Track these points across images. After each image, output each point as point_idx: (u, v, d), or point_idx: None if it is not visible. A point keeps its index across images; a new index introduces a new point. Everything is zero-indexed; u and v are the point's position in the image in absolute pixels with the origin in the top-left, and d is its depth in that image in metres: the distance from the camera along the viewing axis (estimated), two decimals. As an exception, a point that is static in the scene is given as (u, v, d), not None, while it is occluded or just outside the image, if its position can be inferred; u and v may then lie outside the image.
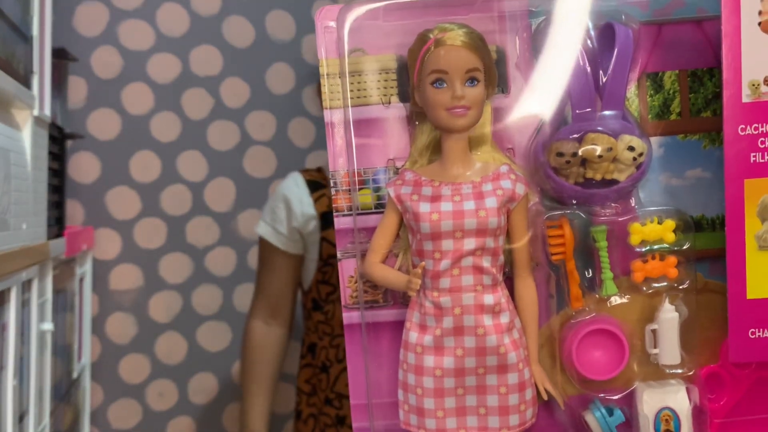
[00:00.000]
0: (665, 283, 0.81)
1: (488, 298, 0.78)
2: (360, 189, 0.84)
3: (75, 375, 1.52)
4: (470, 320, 0.78)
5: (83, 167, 1.76)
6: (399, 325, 0.83)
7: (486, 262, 0.78)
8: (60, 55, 1.44)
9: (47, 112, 1.16)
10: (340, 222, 0.83)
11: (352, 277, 0.84)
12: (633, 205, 0.82)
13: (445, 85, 0.78)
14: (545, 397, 0.81)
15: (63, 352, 1.39)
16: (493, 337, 0.78)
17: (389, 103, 0.83)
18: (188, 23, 1.79)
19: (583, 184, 0.80)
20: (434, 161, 0.82)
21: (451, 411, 0.80)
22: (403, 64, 0.82)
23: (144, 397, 1.81)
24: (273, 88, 1.85)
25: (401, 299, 0.84)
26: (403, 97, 0.83)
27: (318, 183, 1.49)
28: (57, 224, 1.32)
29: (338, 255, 0.84)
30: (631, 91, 0.82)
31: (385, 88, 0.84)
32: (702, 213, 0.82)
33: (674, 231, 0.80)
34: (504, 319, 0.79)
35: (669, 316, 0.80)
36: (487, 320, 0.78)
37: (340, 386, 1.45)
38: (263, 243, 1.49)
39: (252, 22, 1.82)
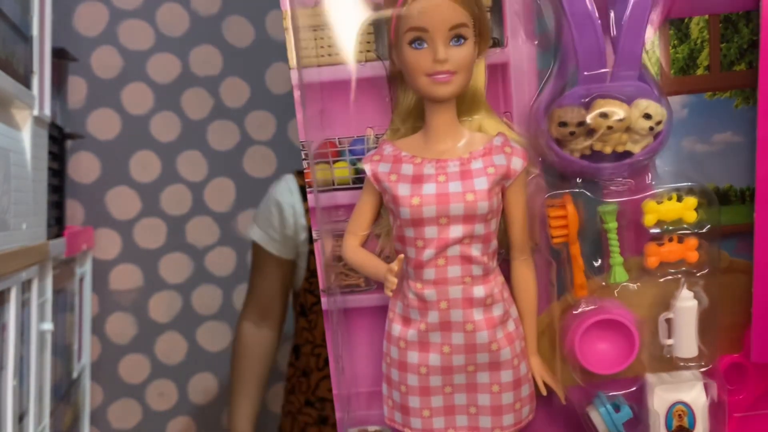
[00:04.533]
0: (683, 269, 0.69)
1: (478, 291, 0.67)
2: (335, 161, 0.72)
3: (75, 375, 1.48)
4: (458, 315, 0.67)
5: (83, 167, 1.72)
6: (382, 311, 0.73)
7: (476, 251, 0.67)
8: (60, 55, 1.42)
9: (47, 112, 1.13)
10: (314, 199, 0.71)
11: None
12: (649, 180, 0.69)
13: (425, 45, 0.64)
14: (544, 393, 0.71)
15: (63, 352, 1.36)
16: (484, 333, 0.68)
17: (365, 61, 0.70)
18: (188, 23, 1.75)
19: (590, 157, 0.67)
20: (419, 129, 0.69)
21: (438, 410, 0.70)
22: (382, 16, 0.69)
23: (144, 397, 1.76)
24: (273, 88, 1.81)
25: (384, 283, 0.70)
26: (382, 53, 0.70)
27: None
28: (57, 224, 1.28)
29: (314, 235, 0.72)
30: (651, 42, 0.68)
31: (360, 43, 0.70)
32: (730, 183, 0.70)
33: (696, 209, 0.68)
34: (497, 311, 0.68)
35: (687, 304, 0.69)
36: (477, 315, 0.67)
37: (322, 391, 1.40)
38: (256, 247, 1.44)
39: (252, 22, 1.78)
